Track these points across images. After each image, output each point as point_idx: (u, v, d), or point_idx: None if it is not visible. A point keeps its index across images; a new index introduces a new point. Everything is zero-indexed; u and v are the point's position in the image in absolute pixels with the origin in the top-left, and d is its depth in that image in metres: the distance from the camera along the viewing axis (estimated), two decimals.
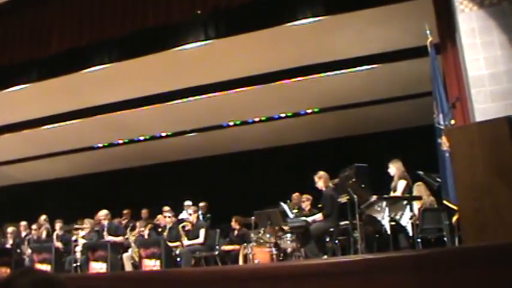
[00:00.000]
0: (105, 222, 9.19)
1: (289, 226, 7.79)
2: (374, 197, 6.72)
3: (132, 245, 9.03)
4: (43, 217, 10.31)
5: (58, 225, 9.82)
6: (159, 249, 7.98)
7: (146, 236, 9.46)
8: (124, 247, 9.30)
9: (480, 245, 3.79)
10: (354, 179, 6.88)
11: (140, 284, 4.38)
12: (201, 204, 10.86)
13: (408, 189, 7.05)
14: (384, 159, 7.44)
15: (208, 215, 10.79)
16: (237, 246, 8.92)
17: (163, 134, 12.84)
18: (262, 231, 8.02)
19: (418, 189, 7.48)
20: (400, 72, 9.44)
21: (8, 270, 8.66)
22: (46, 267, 8.72)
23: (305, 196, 8.56)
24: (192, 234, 8.91)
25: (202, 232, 8.79)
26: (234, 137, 12.56)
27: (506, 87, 5.66)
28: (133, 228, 9.65)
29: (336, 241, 7.69)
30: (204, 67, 9.66)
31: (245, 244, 8.48)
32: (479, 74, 5.79)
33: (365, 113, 11.03)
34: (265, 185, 11.14)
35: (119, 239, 9.20)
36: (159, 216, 10.16)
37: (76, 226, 9.96)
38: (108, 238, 9.00)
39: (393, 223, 6.61)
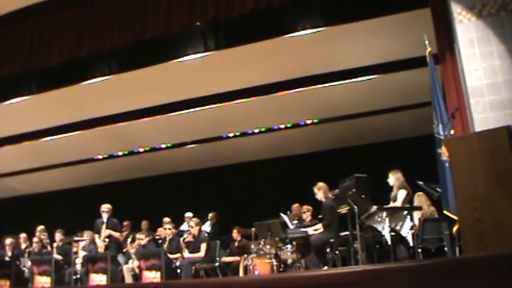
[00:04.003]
0: (105, 216, 9.19)
1: (289, 237, 7.77)
2: (374, 208, 6.72)
3: (133, 256, 8.99)
4: (39, 228, 10.26)
5: (58, 236, 9.79)
6: (159, 261, 7.93)
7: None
8: (120, 244, 9.34)
9: (481, 255, 3.78)
10: (353, 190, 6.90)
11: None
12: (210, 214, 10.84)
13: (408, 199, 7.05)
14: (383, 170, 7.43)
15: (217, 226, 10.77)
16: (237, 258, 8.89)
17: (163, 146, 12.83)
18: (262, 243, 7.99)
19: (419, 199, 7.48)
20: (400, 83, 9.45)
21: (8, 283, 8.61)
22: (46, 280, 8.68)
23: (305, 207, 8.53)
24: (193, 247, 8.88)
25: (203, 246, 8.73)
26: (234, 148, 12.55)
27: (505, 97, 5.67)
28: (133, 240, 9.61)
29: (336, 252, 7.70)
30: (204, 78, 9.68)
31: (245, 255, 8.44)
32: (478, 84, 5.81)
33: (364, 123, 11.03)
34: (265, 196, 11.12)
35: (117, 234, 9.24)
36: (160, 229, 10.13)
37: (76, 238, 9.93)
38: (106, 232, 9.06)
39: (393, 233, 6.59)
